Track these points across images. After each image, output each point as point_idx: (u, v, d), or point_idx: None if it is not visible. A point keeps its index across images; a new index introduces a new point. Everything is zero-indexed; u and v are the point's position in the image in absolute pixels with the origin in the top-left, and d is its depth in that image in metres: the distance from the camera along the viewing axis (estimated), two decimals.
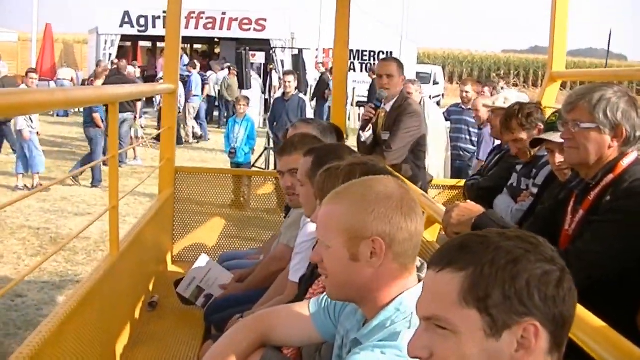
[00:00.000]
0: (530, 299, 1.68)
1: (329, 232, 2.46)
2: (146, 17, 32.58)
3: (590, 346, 2.34)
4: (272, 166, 15.43)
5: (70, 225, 12.13)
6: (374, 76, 26.66)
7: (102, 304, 4.26)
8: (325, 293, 2.83)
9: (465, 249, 1.78)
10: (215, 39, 37.19)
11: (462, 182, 7.72)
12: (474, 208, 3.60)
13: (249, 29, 31.57)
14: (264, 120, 23.13)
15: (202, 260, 5.57)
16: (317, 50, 28.79)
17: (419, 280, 2.46)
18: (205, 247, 7.25)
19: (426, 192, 6.72)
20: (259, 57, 28.80)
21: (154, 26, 32.79)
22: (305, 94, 19.91)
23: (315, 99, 25.67)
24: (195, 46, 43.81)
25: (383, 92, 6.66)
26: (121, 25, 32.96)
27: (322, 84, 25.50)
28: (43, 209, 13.25)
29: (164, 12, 28.41)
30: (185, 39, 36.43)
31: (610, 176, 3.31)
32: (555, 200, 3.73)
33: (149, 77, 31.88)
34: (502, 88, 26.59)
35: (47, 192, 14.47)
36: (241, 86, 19.04)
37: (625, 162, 3.36)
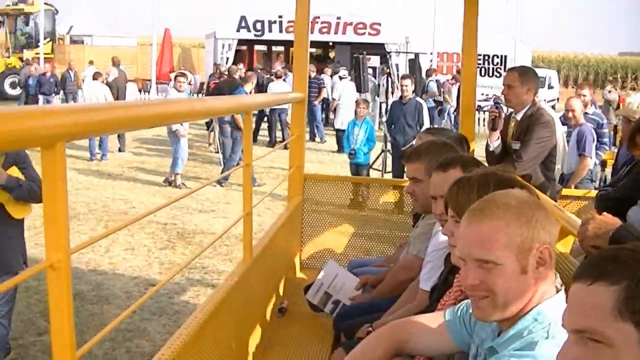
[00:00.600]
0: None
1: (494, 249, 2.37)
2: (262, 22, 33.08)
3: None
4: (388, 168, 15.55)
5: (195, 221, 12.78)
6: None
7: (236, 309, 4.31)
8: (457, 305, 2.91)
9: (618, 262, 1.76)
10: (330, 43, 37.50)
11: (591, 193, 7.62)
12: (611, 221, 3.45)
13: (364, 33, 31.80)
14: (379, 123, 23.44)
15: (330, 266, 5.60)
16: (431, 54, 28.88)
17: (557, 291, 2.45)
18: (332, 253, 7.20)
19: (555, 202, 6.33)
20: (374, 61, 28.95)
21: (269, 30, 33.31)
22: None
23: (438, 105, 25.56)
24: (310, 50, 44.00)
25: (502, 99, 6.58)
26: (238, 30, 33.53)
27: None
28: (169, 205, 13.72)
29: (280, 16, 29.13)
30: None
31: None
32: None
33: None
34: (609, 92, 26.30)
35: (173, 190, 15.63)
36: (359, 90, 19.32)
37: None
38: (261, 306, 5.40)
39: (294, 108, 7.31)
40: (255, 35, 33.80)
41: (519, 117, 6.53)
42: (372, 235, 7.39)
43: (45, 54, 35.30)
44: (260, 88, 23.73)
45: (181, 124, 15.58)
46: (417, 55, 20.89)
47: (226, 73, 22.12)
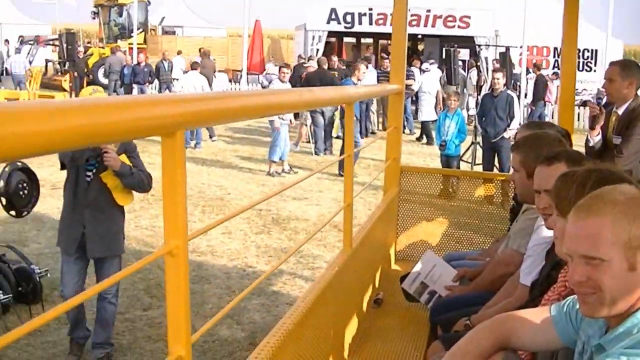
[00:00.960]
0: None
1: (602, 246, 2.30)
2: (352, 14, 32.99)
3: None
4: (478, 160, 15.59)
5: (290, 208, 13.12)
6: (538, 72, 26.27)
7: (336, 299, 4.31)
8: (563, 301, 2.86)
9: None
10: (419, 36, 37.29)
11: None
12: None
13: (453, 26, 31.51)
14: (467, 115, 23.24)
15: (428, 256, 5.54)
16: (520, 47, 28.48)
17: None
18: (427, 245, 7.14)
19: None
20: (463, 54, 28.69)
21: (359, 22, 33.22)
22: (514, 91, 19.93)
23: (533, 99, 25.44)
24: None
25: (603, 93, 6.34)
26: (328, 22, 33.49)
27: (539, 85, 25.33)
28: (263, 192, 14.39)
29: (370, 9, 28.95)
30: (388, 35, 36.55)
31: None
32: None
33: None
34: None
35: (266, 178, 15.96)
36: (449, 82, 19.25)
37: None
38: (358, 296, 5.38)
39: (391, 100, 7.30)
40: (345, 27, 33.73)
41: (620, 111, 6.44)
42: (465, 228, 7.33)
43: (138, 44, 35.97)
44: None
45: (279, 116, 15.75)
46: (507, 48, 20.71)
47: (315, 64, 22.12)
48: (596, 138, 6.53)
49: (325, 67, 20.50)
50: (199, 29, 54.69)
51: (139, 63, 28.99)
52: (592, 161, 3.86)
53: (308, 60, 25.04)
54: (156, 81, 29.50)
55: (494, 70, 15.47)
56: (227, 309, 2.70)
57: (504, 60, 20.35)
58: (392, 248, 7.14)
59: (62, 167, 6.37)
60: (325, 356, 4.15)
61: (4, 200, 7.27)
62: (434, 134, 17.89)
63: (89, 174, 6.21)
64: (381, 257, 6.57)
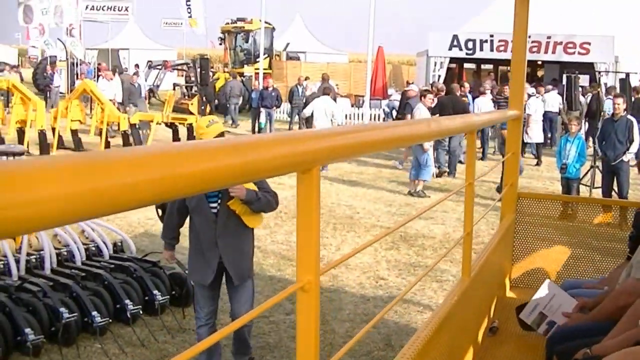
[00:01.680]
0: None
1: None
2: (474, 41, 32.68)
3: None
4: (597, 183, 15.58)
5: (416, 226, 13.40)
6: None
7: (454, 328, 4.24)
8: None
9: None
10: (539, 62, 36.73)
11: None
12: None
13: (573, 53, 30.92)
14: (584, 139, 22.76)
15: (546, 286, 5.37)
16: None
17: None
18: (543, 272, 6.94)
19: None
20: (583, 80, 28.15)
21: (481, 49, 32.89)
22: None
23: None
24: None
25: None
26: (450, 49, 33.30)
27: None
28: (390, 212, 14.95)
29: (491, 35, 28.54)
30: (508, 62, 36.20)
31: None
32: None
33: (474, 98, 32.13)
34: None
35: (393, 198, 16.39)
36: (570, 107, 19.06)
37: None
38: (475, 325, 5.30)
39: (509, 126, 7.17)
40: (467, 53, 33.49)
41: None
42: (583, 255, 7.05)
43: (263, 69, 36.33)
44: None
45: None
46: (627, 74, 20.31)
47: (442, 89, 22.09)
48: None
49: (458, 93, 20.63)
50: (322, 54, 55.12)
51: (266, 87, 29.39)
52: None
53: (431, 87, 24.96)
54: (287, 105, 29.88)
55: (615, 96, 15.56)
56: (377, 319, 2.85)
57: (624, 86, 19.98)
58: (508, 275, 7.00)
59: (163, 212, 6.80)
60: None
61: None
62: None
63: (214, 205, 6.28)
64: (497, 285, 6.45)
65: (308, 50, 54.57)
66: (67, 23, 42.14)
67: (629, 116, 15.07)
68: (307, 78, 32.57)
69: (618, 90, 20.57)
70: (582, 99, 23.77)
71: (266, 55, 40.28)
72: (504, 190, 6.91)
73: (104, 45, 53.63)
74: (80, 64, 39.62)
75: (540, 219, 7.13)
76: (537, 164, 21.96)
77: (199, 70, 27.37)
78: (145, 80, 35.72)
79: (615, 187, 14.59)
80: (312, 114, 19.59)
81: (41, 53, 47.10)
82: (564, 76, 22.34)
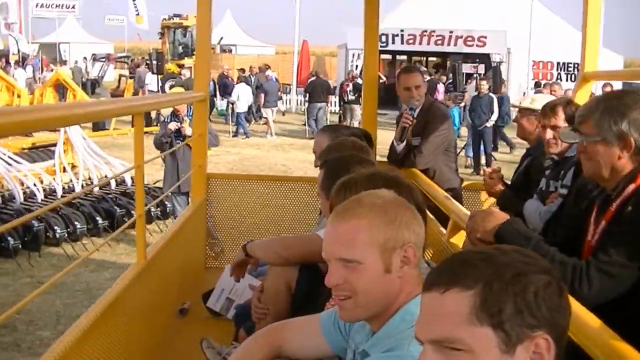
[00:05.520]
0: (539, 310, 1.58)
1: (357, 248, 2.27)
2: (387, 35, 36.10)
3: (591, 349, 2.41)
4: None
5: None
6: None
7: (131, 311, 4.21)
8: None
9: (469, 266, 1.65)
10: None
11: None
12: (499, 215, 3.34)
13: (472, 45, 35.53)
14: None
15: (229, 270, 4.65)
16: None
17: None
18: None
19: (460, 195, 6.49)
20: (480, 69, 31.95)
21: (392, 42, 36.99)
22: None
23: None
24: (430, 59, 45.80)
25: (415, 102, 6.25)
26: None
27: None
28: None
29: (401, 30, 33.02)
30: (420, 53, 41.01)
31: (632, 186, 2.96)
32: (578, 209, 3.35)
33: (389, 85, 33.98)
34: None
35: None
36: (455, 89, 24.28)
37: None
38: (159, 308, 5.16)
39: (195, 107, 7.33)
40: (381, 46, 36.92)
41: (414, 114, 6.31)
42: (275, 232, 7.04)
43: None
44: None
45: None
46: (498, 63, 25.75)
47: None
48: (402, 145, 6.38)
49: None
50: (250, 47, 57.52)
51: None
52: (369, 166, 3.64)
53: (349, 75, 29.17)
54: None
55: (481, 79, 21.43)
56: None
57: (495, 72, 25.29)
58: (202, 257, 7.00)
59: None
60: None
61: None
62: None
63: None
64: (187, 267, 6.35)
65: (238, 43, 56.77)
66: (12, 19, 45.07)
67: (491, 94, 20.22)
68: (242, 70, 35.81)
69: (491, 75, 25.94)
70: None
71: None
72: (192, 171, 6.99)
73: (44, 39, 56.20)
74: (28, 58, 42.44)
75: (232, 198, 7.10)
76: None
77: (154, 62, 30.12)
78: (99, 73, 38.60)
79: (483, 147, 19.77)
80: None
81: None
82: (448, 63, 26.42)
